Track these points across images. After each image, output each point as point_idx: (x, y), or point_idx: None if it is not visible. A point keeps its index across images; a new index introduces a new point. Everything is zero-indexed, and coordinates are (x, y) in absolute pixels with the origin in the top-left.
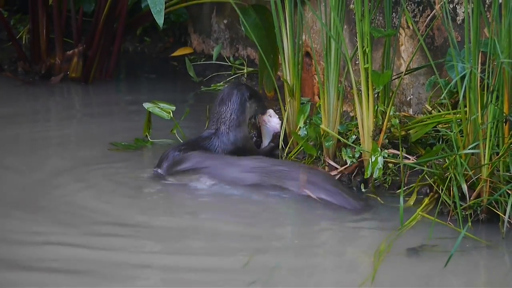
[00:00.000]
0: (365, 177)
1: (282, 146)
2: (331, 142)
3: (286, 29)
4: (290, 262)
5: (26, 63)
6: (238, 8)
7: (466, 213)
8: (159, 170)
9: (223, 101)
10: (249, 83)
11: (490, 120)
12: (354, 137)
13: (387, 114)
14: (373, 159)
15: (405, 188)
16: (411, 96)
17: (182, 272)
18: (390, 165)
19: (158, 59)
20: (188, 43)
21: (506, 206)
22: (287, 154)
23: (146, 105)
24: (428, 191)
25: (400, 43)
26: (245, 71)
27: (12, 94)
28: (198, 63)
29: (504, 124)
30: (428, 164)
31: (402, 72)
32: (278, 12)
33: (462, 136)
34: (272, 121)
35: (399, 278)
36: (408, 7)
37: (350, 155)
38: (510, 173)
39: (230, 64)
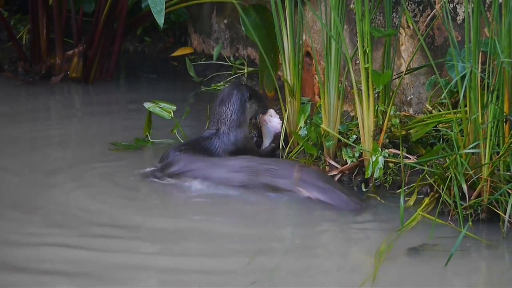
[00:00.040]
0: (365, 176)
1: (282, 145)
2: (331, 141)
3: (286, 28)
4: (290, 263)
5: (26, 63)
6: (238, 8)
7: (467, 212)
8: (157, 171)
9: (223, 102)
10: (249, 83)
11: (490, 119)
12: (354, 136)
13: (388, 113)
14: (374, 158)
15: (406, 187)
16: (412, 96)
17: (181, 273)
18: (391, 164)
19: (159, 59)
20: (189, 43)
21: (507, 205)
22: (287, 154)
23: (147, 105)
24: (428, 190)
25: (400, 43)
26: (245, 71)
27: (12, 94)
28: (199, 63)
29: (504, 123)
30: (428, 163)
31: (403, 72)
32: (278, 12)
33: (463, 136)
34: (273, 121)
35: (400, 277)
36: (408, 7)
37: (350, 155)
38: (511, 172)
39: (230, 64)
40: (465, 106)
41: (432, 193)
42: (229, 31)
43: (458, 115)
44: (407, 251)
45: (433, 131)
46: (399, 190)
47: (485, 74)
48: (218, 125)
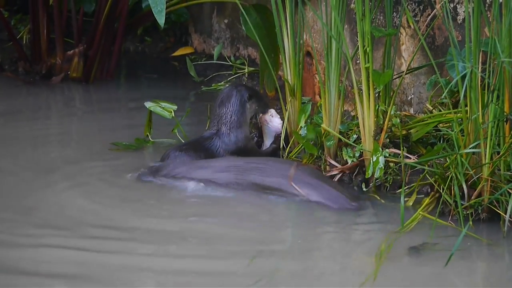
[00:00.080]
0: (366, 176)
1: (283, 145)
2: (332, 141)
3: (287, 28)
4: (291, 264)
5: (27, 63)
6: (239, 8)
7: (467, 212)
8: (153, 172)
9: (223, 102)
10: (250, 83)
11: (490, 119)
12: (355, 136)
13: (388, 113)
14: (374, 158)
15: (406, 187)
16: (412, 96)
17: (180, 275)
18: (391, 164)
19: (159, 59)
20: (189, 43)
21: (507, 205)
22: (288, 154)
23: (148, 104)
24: (429, 190)
25: (401, 43)
26: (246, 70)
27: (13, 94)
28: (199, 62)
29: (504, 123)
30: (429, 163)
31: (403, 72)
32: (279, 11)
33: (463, 136)
34: (274, 121)
35: (400, 277)
36: (408, 7)
37: (351, 155)
38: (511, 172)
39: (231, 63)
40: (466, 105)
41: (432, 193)
42: (230, 31)
43: (459, 114)
44: (408, 251)
45: (434, 131)
46: (400, 190)
47: (485, 74)
48: (219, 126)
